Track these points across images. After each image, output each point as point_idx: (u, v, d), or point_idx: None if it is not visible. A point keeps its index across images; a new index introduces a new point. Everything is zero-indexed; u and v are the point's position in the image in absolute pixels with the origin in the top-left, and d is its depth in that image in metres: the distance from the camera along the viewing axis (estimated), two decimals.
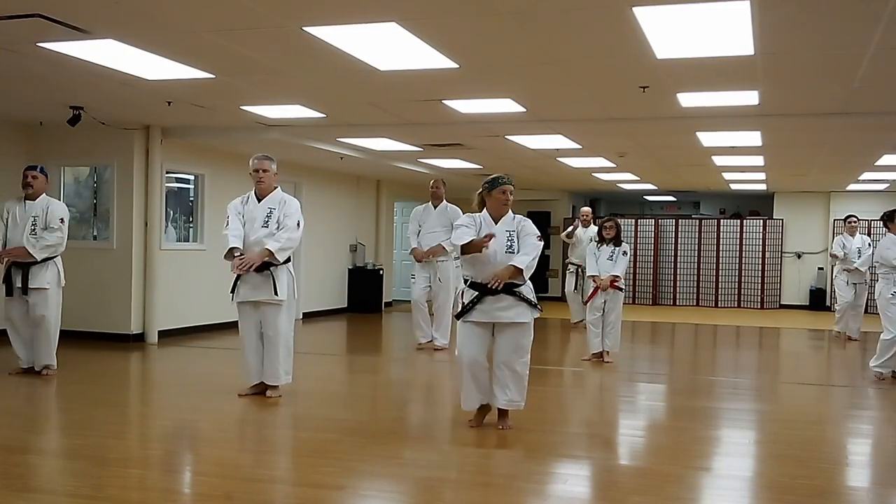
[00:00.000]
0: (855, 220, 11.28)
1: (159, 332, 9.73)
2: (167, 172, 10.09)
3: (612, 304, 8.63)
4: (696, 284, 17.66)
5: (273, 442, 5.17)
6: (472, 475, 4.70)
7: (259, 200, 6.43)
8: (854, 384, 8.20)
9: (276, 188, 6.52)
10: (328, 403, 6.81)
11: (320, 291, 13.62)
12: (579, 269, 11.47)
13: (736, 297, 17.41)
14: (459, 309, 5.38)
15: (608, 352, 8.71)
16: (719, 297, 17.49)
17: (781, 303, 17.09)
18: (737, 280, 17.42)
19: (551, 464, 4.91)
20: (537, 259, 5.27)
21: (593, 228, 11.52)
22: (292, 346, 6.54)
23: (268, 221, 6.30)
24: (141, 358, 8.86)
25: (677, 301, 17.69)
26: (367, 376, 8.42)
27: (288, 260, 6.38)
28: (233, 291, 6.38)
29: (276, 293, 6.25)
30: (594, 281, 8.66)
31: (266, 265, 6.24)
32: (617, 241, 8.64)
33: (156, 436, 5.48)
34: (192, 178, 10.81)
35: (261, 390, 6.45)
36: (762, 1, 4.54)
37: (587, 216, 12.15)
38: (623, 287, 8.74)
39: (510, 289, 5.22)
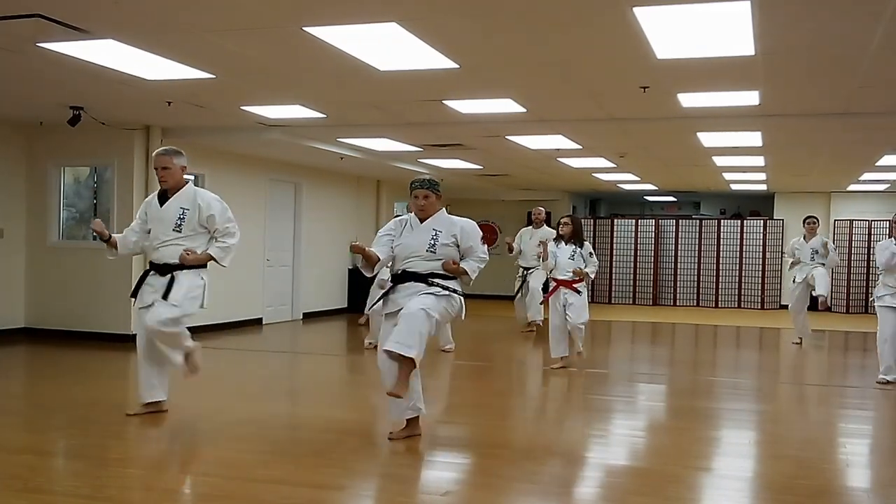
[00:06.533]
0: (813, 220, 10.56)
1: None
2: None
3: (573, 305, 8.15)
4: (696, 285, 17.65)
5: (273, 442, 5.17)
6: (472, 475, 4.70)
7: (165, 199, 5.70)
8: (854, 385, 8.20)
9: (186, 183, 5.79)
10: (329, 404, 6.80)
11: (320, 292, 13.62)
12: (525, 274, 11.02)
13: (736, 297, 17.40)
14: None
15: (579, 352, 8.40)
16: (720, 297, 17.48)
17: (782, 303, 17.06)
18: (737, 280, 17.41)
19: (551, 464, 4.90)
20: (478, 269, 5.17)
21: (545, 231, 10.84)
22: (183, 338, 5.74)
23: (180, 225, 5.62)
24: None
25: (677, 301, 17.68)
26: (367, 377, 8.41)
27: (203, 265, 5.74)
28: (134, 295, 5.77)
29: (165, 297, 5.53)
30: (553, 280, 8.30)
31: (172, 268, 5.61)
32: (577, 240, 8.22)
33: (156, 436, 5.47)
34: (192, 178, 10.78)
35: (155, 409, 5.77)
36: (762, 1, 4.54)
37: (539, 216, 11.29)
38: (581, 291, 8.20)
39: (424, 278, 5.04)
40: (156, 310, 5.52)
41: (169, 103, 7.88)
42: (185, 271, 5.63)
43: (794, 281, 10.61)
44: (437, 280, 5.05)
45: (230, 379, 7.84)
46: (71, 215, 10.30)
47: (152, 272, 5.69)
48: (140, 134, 9.55)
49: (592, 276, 8.29)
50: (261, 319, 12.10)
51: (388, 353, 4.88)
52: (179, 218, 5.62)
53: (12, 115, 9.19)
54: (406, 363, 4.87)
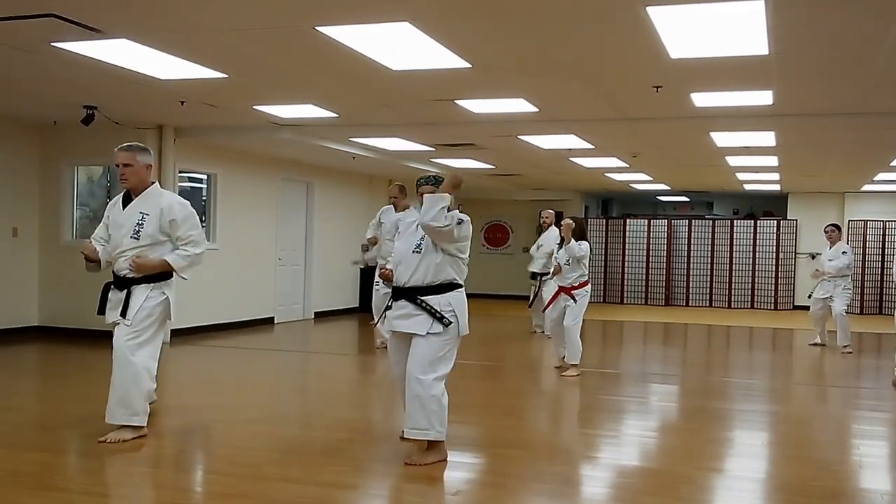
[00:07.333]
0: (831, 228, 10.43)
1: (171, 331, 9.75)
2: (180, 172, 10.12)
3: (569, 309, 7.91)
4: (709, 285, 17.59)
5: (285, 441, 5.18)
6: (483, 475, 4.70)
7: (127, 203, 5.08)
8: (868, 386, 8.15)
9: (151, 184, 5.15)
10: (340, 403, 6.82)
11: (332, 291, 13.65)
12: (539, 280, 10.60)
13: (749, 298, 17.33)
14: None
15: (565, 362, 8.01)
16: (732, 298, 17.41)
17: (795, 304, 16.99)
18: (750, 281, 17.34)
19: (563, 464, 4.89)
20: (444, 214, 4.43)
21: (552, 233, 10.44)
22: (146, 382, 5.02)
23: (139, 232, 4.99)
24: None
25: (690, 302, 17.62)
26: (378, 376, 8.42)
27: (167, 276, 5.13)
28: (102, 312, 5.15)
29: (123, 315, 4.96)
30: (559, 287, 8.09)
31: (130, 282, 5.01)
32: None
33: (167, 434, 5.49)
34: (204, 177, 10.85)
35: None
36: (776, 1, 4.52)
37: (546, 221, 10.91)
38: (578, 298, 7.90)
39: (414, 296, 4.62)
40: (117, 332, 4.98)
41: (182, 103, 7.91)
42: (142, 285, 4.99)
43: (811, 294, 10.51)
44: (425, 300, 4.59)
45: (242, 378, 7.87)
46: (84, 214, 10.34)
47: (113, 286, 5.09)
48: (153, 133, 9.58)
49: (585, 253, 7.87)
50: (272, 318, 12.14)
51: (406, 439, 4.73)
52: (138, 224, 4.98)
53: (26, 114, 9.25)
54: (433, 443, 4.65)
